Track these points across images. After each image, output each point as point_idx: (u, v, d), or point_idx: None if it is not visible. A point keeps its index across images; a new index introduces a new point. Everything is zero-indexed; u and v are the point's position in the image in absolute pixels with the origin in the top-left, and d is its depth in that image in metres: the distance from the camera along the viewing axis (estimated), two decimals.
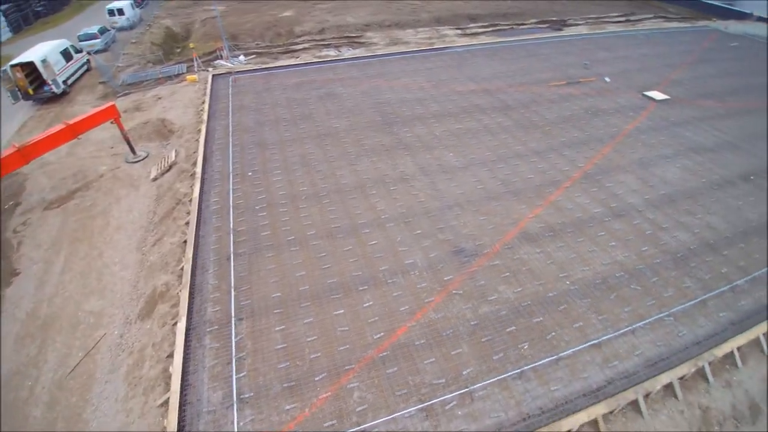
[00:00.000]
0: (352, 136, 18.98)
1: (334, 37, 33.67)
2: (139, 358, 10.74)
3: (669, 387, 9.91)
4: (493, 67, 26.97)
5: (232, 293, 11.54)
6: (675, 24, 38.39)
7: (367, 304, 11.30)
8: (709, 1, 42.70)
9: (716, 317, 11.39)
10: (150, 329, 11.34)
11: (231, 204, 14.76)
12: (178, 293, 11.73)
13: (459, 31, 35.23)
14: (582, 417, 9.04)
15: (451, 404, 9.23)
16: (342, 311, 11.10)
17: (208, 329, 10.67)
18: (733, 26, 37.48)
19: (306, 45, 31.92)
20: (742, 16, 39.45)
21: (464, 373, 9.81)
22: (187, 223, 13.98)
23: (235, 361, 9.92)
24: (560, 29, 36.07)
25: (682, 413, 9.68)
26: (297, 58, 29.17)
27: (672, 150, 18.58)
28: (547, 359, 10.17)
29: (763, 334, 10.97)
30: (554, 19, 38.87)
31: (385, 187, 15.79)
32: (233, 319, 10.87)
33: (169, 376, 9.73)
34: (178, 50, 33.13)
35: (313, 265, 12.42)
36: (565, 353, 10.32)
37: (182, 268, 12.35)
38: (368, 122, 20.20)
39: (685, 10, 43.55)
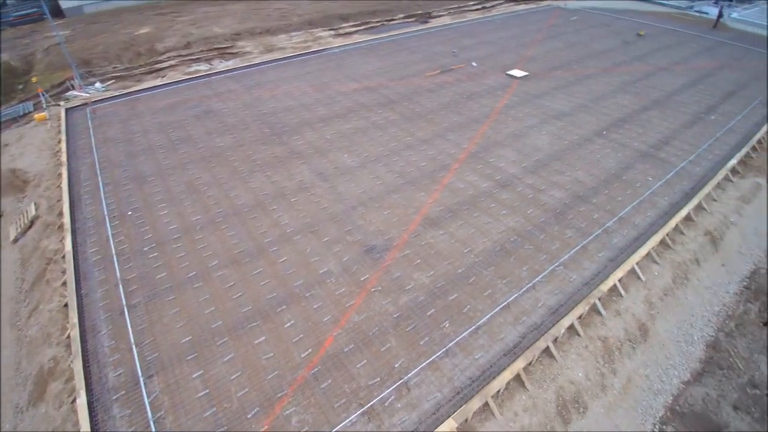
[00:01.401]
0: (240, 153, 18.11)
1: (202, 50, 31.67)
2: None
3: (572, 328, 11.23)
4: (371, 64, 27.65)
5: (135, 350, 10.37)
6: (523, 6, 42.92)
7: (289, 324, 10.96)
8: None
9: (597, 258, 13.14)
10: (46, 413, 9.84)
11: (113, 251, 13.19)
12: (70, 365, 10.26)
13: (333, 32, 35.45)
14: (506, 375, 9.85)
15: (390, 399, 9.41)
16: (263, 338, 10.62)
17: (114, 397, 9.48)
18: (571, 2, 43.06)
19: (172, 62, 29.55)
20: None
21: (396, 366, 10.05)
22: (65, 284, 12.22)
23: (154, 422, 8.98)
24: (427, 21, 38.23)
25: (587, 348, 11.04)
26: (164, 77, 26.90)
27: (538, 120, 20.87)
28: (467, 331, 10.85)
29: (636, 264, 12.92)
30: (420, 12, 41.04)
31: (285, 199, 15.38)
32: (141, 378, 9.79)
33: None
34: (20, 87, 28.48)
35: (222, 298, 11.66)
36: (481, 321, 11.11)
37: (69, 336, 10.79)
38: (255, 135, 19.45)
39: None
